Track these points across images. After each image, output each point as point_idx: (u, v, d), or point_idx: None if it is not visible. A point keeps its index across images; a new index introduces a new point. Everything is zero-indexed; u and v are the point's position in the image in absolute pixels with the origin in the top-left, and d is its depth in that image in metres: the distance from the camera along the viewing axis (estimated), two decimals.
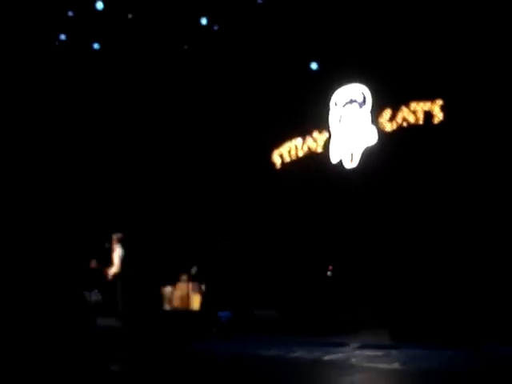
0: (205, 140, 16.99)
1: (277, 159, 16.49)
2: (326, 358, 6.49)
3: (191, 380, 5.55)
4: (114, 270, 13.24)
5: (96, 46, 16.79)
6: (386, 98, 13.84)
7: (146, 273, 15.88)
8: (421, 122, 13.15)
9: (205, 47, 16.26)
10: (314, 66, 15.31)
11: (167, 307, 12.97)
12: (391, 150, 13.44)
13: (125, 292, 13.17)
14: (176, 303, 12.66)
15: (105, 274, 13.62)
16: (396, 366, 5.70)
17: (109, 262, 13.58)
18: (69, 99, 17.55)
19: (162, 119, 17.41)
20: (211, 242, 10.83)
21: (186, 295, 11.60)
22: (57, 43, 16.54)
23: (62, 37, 16.45)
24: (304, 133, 15.73)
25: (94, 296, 14.16)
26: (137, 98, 17.21)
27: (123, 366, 7.12)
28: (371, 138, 14.07)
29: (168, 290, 13.27)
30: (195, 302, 11.86)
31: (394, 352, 6.66)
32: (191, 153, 17.27)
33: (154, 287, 13.87)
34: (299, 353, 7.00)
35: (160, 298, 13.41)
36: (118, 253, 13.33)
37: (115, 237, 13.50)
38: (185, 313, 10.57)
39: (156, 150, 17.66)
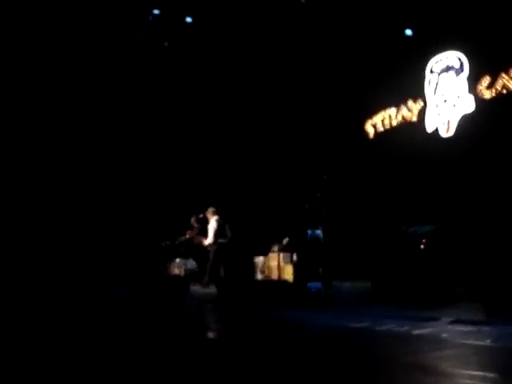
0: (299, 109, 17.00)
1: (370, 129, 16.25)
2: (416, 332, 6.39)
3: (281, 349, 5.64)
4: (208, 240, 13.73)
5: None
6: (485, 64, 13.29)
7: (240, 243, 16.26)
8: None
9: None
10: (408, 32, 14.87)
11: (259, 277, 13.20)
12: (490, 118, 12.94)
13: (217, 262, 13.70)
14: (268, 273, 12.85)
15: (200, 244, 14.16)
16: (488, 342, 5.55)
17: (204, 233, 14.09)
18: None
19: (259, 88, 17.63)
20: (304, 214, 10.83)
21: (278, 265, 11.73)
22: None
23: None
24: (398, 102, 15.41)
25: (189, 264, 14.57)
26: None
27: (218, 333, 7.34)
28: (469, 106, 13.58)
29: (260, 260, 13.47)
30: (287, 273, 11.99)
31: (486, 328, 6.47)
32: (285, 121, 17.37)
33: (247, 257, 14.13)
34: (388, 326, 6.94)
35: (252, 267, 13.67)
36: (212, 224, 13.78)
37: (210, 209, 13.94)
38: (276, 283, 10.67)
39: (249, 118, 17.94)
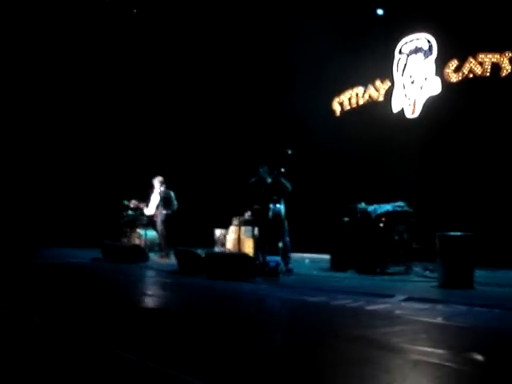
0: (268, 81, 16.89)
1: (337, 106, 16.23)
2: (370, 307, 6.41)
3: (229, 320, 5.57)
4: (148, 211, 13.89)
5: None
6: (453, 48, 13.33)
7: (201, 215, 16.21)
8: (488, 73, 12.65)
9: None
10: (380, 12, 14.79)
11: (219, 249, 13.13)
12: (455, 101, 13.02)
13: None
14: (228, 246, 12.78)
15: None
16: (439, 320, 5.58)
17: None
18: None
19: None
20: (266, 187, 10.78)
21: (238, 239, 11.66)
22: None
23: None
24: (366, 81, 15.40)
25: (150, 235, 14.46)
26: None
27: (168, 302, 7.24)
28: (435, 88, 13.63)
29: (221, 232, 13.40)
30: (247, 246, 11.93)
31: (439, 306, 6.51)
32: (252, 93, 17.29)
33: (208, 229, 14.08)
34: (344, 301, 6.94)
35: (213, 239, 13.61)
36: (155, 195, 13.92)
37: (158, 178, 14.01)
38: (235, 255, 10.60)
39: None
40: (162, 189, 13.88)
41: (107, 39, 17.99)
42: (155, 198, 14.07)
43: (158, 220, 13.89)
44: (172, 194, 13.93)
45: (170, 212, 13.76)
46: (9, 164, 17.35)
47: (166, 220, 13.73)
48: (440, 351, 4.04)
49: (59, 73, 17.84)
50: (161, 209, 13.83)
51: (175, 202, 13.88)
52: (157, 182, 14.03)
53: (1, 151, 17.29)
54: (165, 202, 13.77)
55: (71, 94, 18.22)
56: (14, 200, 17.11)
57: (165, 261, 13.18)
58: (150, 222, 14.45)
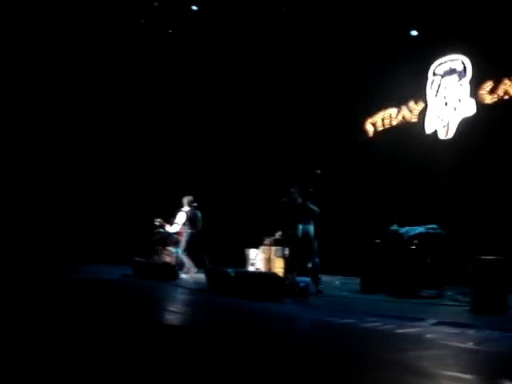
0: (297, 103, 16.93)
1: (369, 127, 16.19)
2: (400, 330, 6.32)
3: (259, 340, 5.55)
4: (172, 229, 14.01)
5: None
6: (488, 69, 13.21)
7: (232, 235, 16.23)
8: None
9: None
10: (414, 33, 14.77)
11: (250, 269, 13.14)
12: (489, 122, 12.88)
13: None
14: (258, 266, 12.78)
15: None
16: (470, 345, 5.48)
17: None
18: None
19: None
20: (295, 207, 10.77)
21: (269, 258, 11.66)
22: None
23: None
24: (400, 102, 15.35)
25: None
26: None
27: (199, 320, 7.24)
28: (469, 109, 13.51)
29: (252, 252, 13.43)
30: (277, 266, 11.92)
31: (471, 331, 6.40)
32: (282, 115, 17.33)
33: (239, 249, 14.12)
34: (373, 323, 6.87)
35: (244, 259, 13.64)
36: (181, 214, 14.09)
37: (186, 198, 14.23)
38: (265, 275, 10.59)
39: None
40: (189, 208, 14.08)
41: (140, 61, 18.24)
42: (181, 217, 14.23)
43: (183, 238, 14.06)
44: (199, 214, 14.15)
45: (194, 231, 13.94)
46: (47, 180, 17.63)
47: (190, 239, 13.90)
48: (469, 376, 3.98)
49: (93, 90, 18.12)
50: (186, 227, 14.01)
51: (200, 223, 14.08)
52: (185, 201, 14.26)
53: (41, 168, 17.58)
54: (191, 221, 13.99)
55: (108, 111, 18.48)
56: (50, 217, 17.35)
57: (191, 275, 13.33)
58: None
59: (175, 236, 14.62)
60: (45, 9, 16.41)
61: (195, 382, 3.61)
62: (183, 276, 13.59)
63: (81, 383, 3.71)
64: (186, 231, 14.04)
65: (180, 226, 14.28)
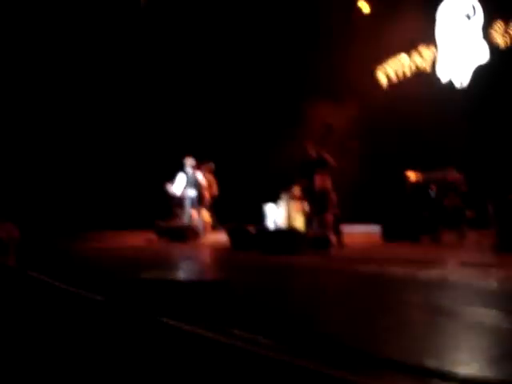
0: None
1: (382, 78, 16.03)
2: (422, 274, 6.37)
3: (283, 289, 5.63)
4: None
5: None
6: (498, 10, 13.03)
7: (250, 191, 16.30)
8: None
9: None
10: None
11: (270, 225, 13.22)
12: (503, 69, 12.73)
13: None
14: (278, 221, 12.85)
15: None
16: (494, 284, 5.53)
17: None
18: None
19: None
20: (310, 161, 10.76)
21: (288, 213, 11.72)
22: None
23: None
24: (409, 47, 15.14)
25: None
26: None
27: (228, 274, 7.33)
28: (483, 54, 13.33)
29: (270, 207, 13.49)
30: (298, 221, 11.99)
31: (493, 270, 6.45)
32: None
33: (257, 205, 14.18)
34: (395, 269, 6.91)
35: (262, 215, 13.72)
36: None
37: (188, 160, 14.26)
38: (285, 231, 10.67)
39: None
40: (190, 170, 14.13)
41: (128, 36, 18.08)
42: (182, 179, 14.32)
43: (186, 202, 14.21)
44: (200, 177, 14.15)
45: (194, 196, 14.06)
46: (57, 153, 17.74)
47: (193, 202, 14.04)
48: (493, 312, 4.02)
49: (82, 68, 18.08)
50: (186, 191, 14.11)
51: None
52: (187, 162, 14.29)
53: (53, 144, 17.69)
54: (190, 184, 14.07)
55: (107, 84, 18.44)
56: (67, 186, 17.51)
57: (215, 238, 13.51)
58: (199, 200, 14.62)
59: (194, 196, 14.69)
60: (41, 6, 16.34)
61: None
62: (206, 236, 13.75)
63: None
64: (187, 195, 14.15)
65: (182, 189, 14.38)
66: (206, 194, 14.48)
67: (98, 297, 4.76)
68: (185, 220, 14.55)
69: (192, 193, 14.13)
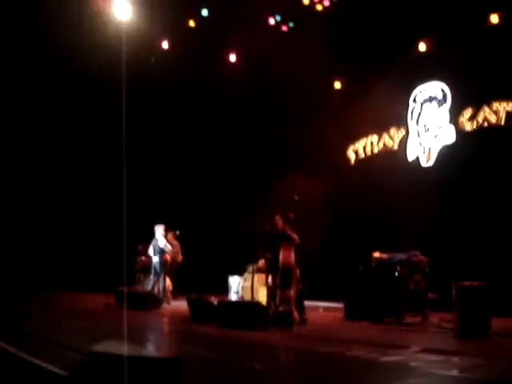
0: (280, 130, 16.84)
1: (351, 155, 16.25)
2: (384, 359, 6.24)
3: (241, 369, 5.44)
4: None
5: None
6: (467, 96, 13.34)
7: (215, 263, 16.12)
8: (502, 122, 12.63)
9: None
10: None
11: (233, 297, 13.01)
12: (470, 149, 12.97)
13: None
14: (242, 293, 12.66)
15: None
16: (454, 373, 5.42)
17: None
18: None
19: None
20: (276, 235, 10.67)
21: (251, 287, 11.53)
22: None
23: None
24: (380, 130, 15.43)
25: (162, 282, 14.44)
26: None
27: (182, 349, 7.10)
28: (450, 136, 13.61)
29: (235, 280, 13.31)
30: (260, 294, 11.82)
31: (455, 359, 6.33)
32: (264, 141, 17.30)
33: (221, 277, 14.00)
34: (357, 351, 6.77)
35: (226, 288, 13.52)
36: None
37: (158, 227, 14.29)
38: (247, 304, 10.47)
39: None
40: (159, 238, 14.20)
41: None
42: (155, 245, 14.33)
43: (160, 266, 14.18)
44: (163, 243, 14.37)
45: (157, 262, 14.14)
46: (19, 204, 17.44)
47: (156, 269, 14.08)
48: None
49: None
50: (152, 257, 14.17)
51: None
52: (158, 230, 14.34)
53: (16, 189, 17.41)
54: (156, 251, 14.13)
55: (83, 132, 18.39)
56: (28, 243, 17.15)
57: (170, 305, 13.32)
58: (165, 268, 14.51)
59: (157, 263, 14.52)
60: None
61: None
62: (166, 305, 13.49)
63: None
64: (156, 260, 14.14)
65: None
66: (169, 261, 14.40)
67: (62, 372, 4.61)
68: (147, 287, 14.30)
69: (155, 259, 14.08)
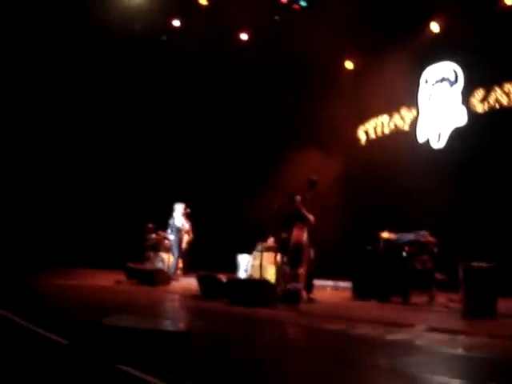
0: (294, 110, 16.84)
1: (362, 135, 16.21)
2: (390, 337, 6.29)
3: (245, 344, 5.51)
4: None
5: None
6: (479, 77, 13.27)
7: (223, 239, 16.21)
8: None
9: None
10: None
11: (243, 275, 13.10)
12: (481, 131, 12.92)
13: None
14: (251, 272, 12.74)
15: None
16: (460, 351, 5.46)
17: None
18: None
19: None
20: (288, 213, 10.71)
21: (260, 265, 11.61)
22: None
23: None
24: (392, 110, 15.37)
25: (172, 259, 14.57)
26: None
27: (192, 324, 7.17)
28: (461, 118, 13.55)
29: (244, 258, 13.39)
30: (269, 273, 11.90)
31: (461, 337, 6.38)
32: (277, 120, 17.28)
33: (230, 255, 14.08)
34: (363, 329, 6.83)
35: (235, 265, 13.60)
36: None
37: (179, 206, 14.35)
38: (255, 282, 10.54)
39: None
40: (178, 216, 14.28)
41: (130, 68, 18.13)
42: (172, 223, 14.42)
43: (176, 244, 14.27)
44: (182, 222, 14.47)
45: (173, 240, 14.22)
46: (33, 184, 17.53)
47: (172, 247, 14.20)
48: (457, 381, 3.95)
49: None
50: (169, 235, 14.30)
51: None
52: (178, 208, 14.42)
53: (30, 173, 17.48)
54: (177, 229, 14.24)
55: (98, 113, 18.40)
56: (41, 220, 17.27)
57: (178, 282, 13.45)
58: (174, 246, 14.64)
59: (167, 241, 14.64)
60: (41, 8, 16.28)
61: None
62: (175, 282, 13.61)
63: None
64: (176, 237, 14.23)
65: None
66: (185, 240, 14.54)
67: (63, 340, 4.65)
68: (157, 264, 14.43)
69: (172, 237, 14.23)
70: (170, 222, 14.55)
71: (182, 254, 14.92)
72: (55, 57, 17.26)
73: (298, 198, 10.54)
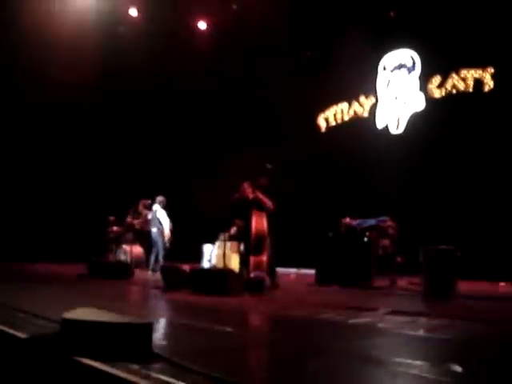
0: (251, 99, 16.82)
1: (322, 122, 16.27)
2: (352, 321, 6.34)
3: (209, 332, 5.48)
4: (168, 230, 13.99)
5: None
6: (436, 64, 13.45)
7: (187, 230, 16.13)
8: (470, 89, 12.74)
9: None
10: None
11: (206, 265, 13.06)
12: (439, 117, 13.10)
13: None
14: (214, 261, 12.71)
15: (143, 230, 14.42)
16: (421, 333, 5.53)
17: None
18: None
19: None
20: (247, 202, 10.69)
21: (223, 254, 11.59)
22: None
23: None
24: (350, 97, 15.46)
25: (136, 251, 14.43)
26: None
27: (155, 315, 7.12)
28: (419, 104, 13.70)
29: (208, 248, 13.35)
30: (233, 262, 11.88)
31: (422, 319, 6.46)
32: (236, 107, 17.22)
33: (195, 245, 14.03)
34: (327, 314, 6.86)
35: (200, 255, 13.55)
36: (163, 213, 14.09)
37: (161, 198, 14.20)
38: (219, 271, 10.52)
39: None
40: (157, 208, 14.16)
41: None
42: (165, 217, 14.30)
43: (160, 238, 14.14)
44: (163, 215, 14.24)
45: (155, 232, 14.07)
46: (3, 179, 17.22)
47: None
48: (419, 363, 3.97)
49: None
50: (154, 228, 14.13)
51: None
52: (159, 200, 14.33)
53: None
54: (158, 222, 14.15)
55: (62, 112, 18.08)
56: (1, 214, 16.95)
57: (153, 277, 13.30)
58: (137, 238, 14.48)
59: (130, 234, 14.50)
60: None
61: None
62: (140, 274, 13.52)
63: None
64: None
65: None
66: (165, 233, 14.41)
67: (21, 334, 4.56)
68: (119, 256, 14.28)
69: (154, 230, 14.08)
70: (151, 215, 14.37)
71: (144, 246, 14.81)
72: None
73: (246, 185, 10.53)
